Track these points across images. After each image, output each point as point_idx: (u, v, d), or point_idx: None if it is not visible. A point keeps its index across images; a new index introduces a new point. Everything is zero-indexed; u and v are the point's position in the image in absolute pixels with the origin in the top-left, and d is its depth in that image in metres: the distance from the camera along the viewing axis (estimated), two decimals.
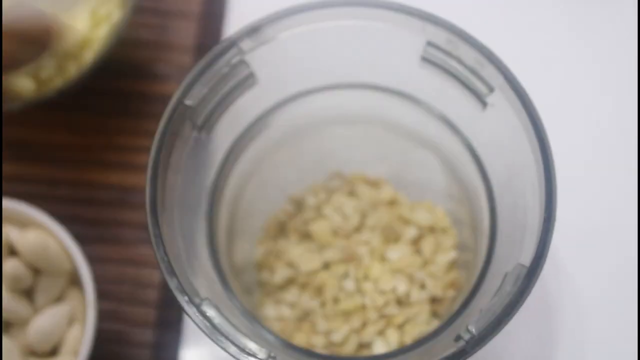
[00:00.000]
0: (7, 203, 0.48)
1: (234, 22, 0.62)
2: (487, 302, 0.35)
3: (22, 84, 0.52)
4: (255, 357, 0.33)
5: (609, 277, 0.53)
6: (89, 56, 0.54)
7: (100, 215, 0.56)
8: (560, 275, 0.52)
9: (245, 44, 0.37)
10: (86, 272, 0.46)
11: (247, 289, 0.48)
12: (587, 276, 0.53)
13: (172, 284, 0.34)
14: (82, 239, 0.53)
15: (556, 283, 0.52)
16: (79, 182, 0.58)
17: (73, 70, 0.54)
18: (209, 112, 0.38)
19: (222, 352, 0.52)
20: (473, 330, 0.33)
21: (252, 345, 0.33)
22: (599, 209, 0.54)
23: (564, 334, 0.52)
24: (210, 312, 0.34)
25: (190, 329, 0.54)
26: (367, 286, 0.46)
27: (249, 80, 0.39)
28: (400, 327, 0.45)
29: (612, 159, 0.55)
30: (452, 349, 0.33)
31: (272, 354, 0.33)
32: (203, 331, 0.33)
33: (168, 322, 0.55)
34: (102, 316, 0.52)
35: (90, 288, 0.46)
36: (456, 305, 0.40)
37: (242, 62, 0.38)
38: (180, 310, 0.53)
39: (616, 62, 0.58)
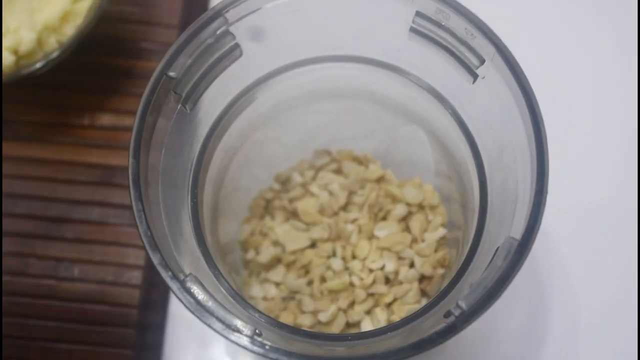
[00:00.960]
0: None
1: None
2: (476, 278, 0.34)
3: (2, 58, 0.51)
4: (240, 333, 0.32)
5: (600, 256, 0.52)
6: (71, 30, 0.53)
7: (83, 197, 0.55)
8: (551, 255, 0.52)
9: (231, 15, 0.37)
10: None
11: (233, 269, 0.47)
12: (578, 256, 0.53)
13: (156, 259, 0.33)
14: (64, 220, 0.53)
15: (547, 263, 0.52)
16: (59, 162, 0.57)
17: (54, 45, 0.52)
18: (193, 84, 0.37)
19: (207, 333, 0.52)
20: (463, 305, 0.32)
21: (237, 322, 0.32)
22: (591, 187, 0.54)
23: (555, 313, 0.52)
24: (195, 288, 0.33)
25: (176, 310, 0.54)
26: (355, 265, 0.45)
27: (234, 51, 0.38)
28: (389, 306, 0.44)
29: (607, 137, 0.55)
30: (441, 324, 0.33)
31: (258, 331, 0.32)
32: (187, 307, 0.32)
33: (153, 302, 0.54)
34: (87, 298, 0.52)
35: None
36: (445, 282, 0.39)
37: (228, 33, 0.37)
38: (165, 291, 0.53)
39: (614, 34, 0.57)
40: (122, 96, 0.58)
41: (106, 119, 0.58)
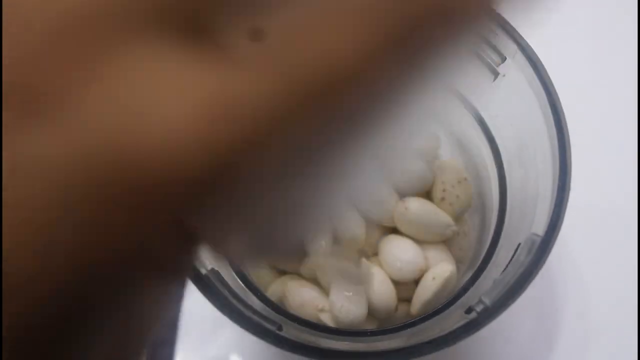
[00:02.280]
0: None
1: None
2: (497, 274, 0.35)
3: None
4: (263, 328, 0.32)
5: (614, 256, 0.52)
6: None
7: None
8: (563, 254, 0.52)
9: None
10: None
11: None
12: (591, 255, 0.53)
13: None
14: None
15: (560, 262, 0.52)
16: None
17: None
18: None
19: (220, 329, 0.52)
20: (487, 301, 0.32)
21: (259, 317, 0.32)
22: (607, 188, 0.54)
23: (568, 313, 0.52)
24: (217, 282, 0.33)
25: (190, 305, 0.53)
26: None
27: None
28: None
29: (624, 137, 0.55)
30: (463, 321, 0.33)
31: (279, 325, 0.33)
32: (210, 301, 0.32)
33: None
34: None
35: None
36: (464, 279, 0.39)
37: None
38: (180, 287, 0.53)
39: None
40: None
41: None
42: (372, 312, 0.41)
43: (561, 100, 0.35)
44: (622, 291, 0.52)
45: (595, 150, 0.54)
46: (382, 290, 0.41)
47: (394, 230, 0.43)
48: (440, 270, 0.40)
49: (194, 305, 0.53)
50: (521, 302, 0.32)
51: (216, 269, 0.34)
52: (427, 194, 0.44)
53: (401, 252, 0.41)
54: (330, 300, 0.40)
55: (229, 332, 0.52)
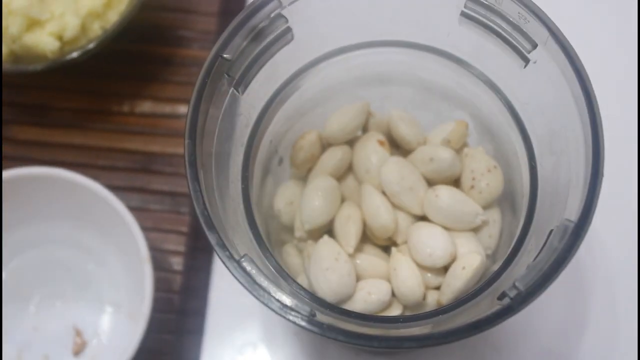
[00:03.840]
0: (63, 173, 0.50)
1: None
2: (528, 261, 0.35)
3: (46, 43, 0.51)
4: (299, 313, 0.32)
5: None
6: (114, 16, 0.53)
7: (122, 183, 0.56)
8: (592, 245, 0.52)
9: None
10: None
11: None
12: (618, 242, 0.53)
13: (213, 238, 0.33)
14: None
15: (588, 254, 0.52)
16: (99, 148, 0.57)
17: (97, 31, 0.53)
18: (246, 67, 0.37)
19: (247, 319, 0.52)
20: (520, 286, 0.32)
21: (294, 302, 0.32)
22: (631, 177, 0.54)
23: (595, 305, 0.52)
24: (250, 268, 0.33)
25: (217, 295, 0.54)
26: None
27: (286, 35, 0.38)
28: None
29: None
30: (495, 307, 0.33)
31: (313, 312, 0.33)
32: (245, 286, 0.32)
33: (194, 288, 0.54)
34: None
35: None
36: (494, 269, 0.39)
37: (281, 16, 0.37)
38: (206, 277, 0.53)
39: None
40: (162, 83, 0.59)
41: (146, 106, 0.58)
42: (400, 300, 0.41)
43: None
44: None
45: (626, 138, 0.54)
46: (409, 277, 0.41)
47: (423, 218, 0.43)
48: (470, 260, 0.40)
49: (222, 294, 0.54)
50: (550, 289, 0.32)
51: (249, 255, 0.34)
52: (456, 182, 0.44)
53: (431, 239, 0.41)
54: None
55: (257, 321, 0.53)
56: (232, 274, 0.33)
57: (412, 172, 0.43)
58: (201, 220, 0.33)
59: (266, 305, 0.32)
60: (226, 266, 0.33)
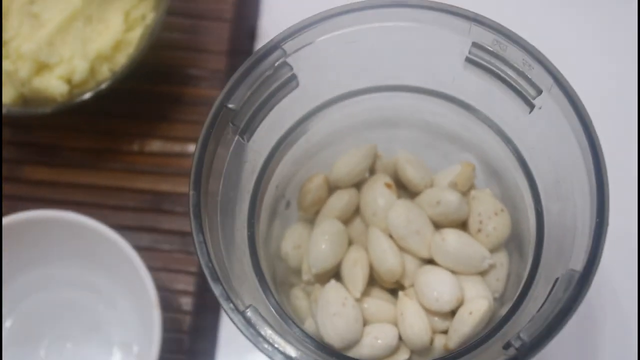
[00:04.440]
0: (75, 216, 0.50)
1: (268, 25, 0.61)
2: (535, 309, 0.34)
3: (55, 87, 0.51)
4: None
5: None
6: (123, 59, 0.54)
7: (132, 223, 0.56)
8: (601, 280, 0.52)
9: (288, 46, 0.37)
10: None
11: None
12: (626, 278, 0.53)
13: (217, 290, 0.33)
14: None
15: (596, 291, 0.52)
16: (109, 188, 0.57)
17: (106, 73, 0.53)
18: (251, 116, 0.37)
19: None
20: (525, 337, 0.32)
21: (297, 353, 0.32)
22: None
23: (605, 345, 0.52)
24: (255, 319, 0.33)
25: (227, 335, 0.54)
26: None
27: (291, 82, 0.38)
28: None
29: None
30: (501, 357, 0.32)
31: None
32: (248, 338, 0.33)
33: (203, 328, 0.54)
34: None
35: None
36: (502, 313, 0.39)
37: (285, 64, 0.37)
38: (216, 317, 0.53)
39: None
40: (171, 123, 0.59)
41: (156, 146, 0.58)
42: (407, 344, 0.41)
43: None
44: None
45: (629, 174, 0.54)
46: (416, 322, 0.41)
47: (431, 262, 0.43)
48: (477, 305, 0.40)
49: (231, 334, 0.54)
50: (560, 336, 0.32)
51: (254, 304, 0.34)
52: (463, 225, 0.44)
53: (438, 283, 0.41)
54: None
55: None
56: (236, 327, 0.33)
57: (419, 215, 0.43)
58: (206, 272, 0.33)
59: (270, 357, 0.32)
60: (230, 318, 0.33)
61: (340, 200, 0.45)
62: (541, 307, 0.34)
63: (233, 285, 0.35)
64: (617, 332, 0.52)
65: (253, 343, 0.33)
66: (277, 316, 0.38)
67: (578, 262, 0.33)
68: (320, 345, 0.38)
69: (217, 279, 0.33)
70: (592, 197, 0.33)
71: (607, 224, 0.33)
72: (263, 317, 0.33)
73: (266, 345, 0.32)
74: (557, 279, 0.34)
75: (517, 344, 0.32)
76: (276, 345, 0.32)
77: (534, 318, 0.33)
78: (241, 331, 0.33)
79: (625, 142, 0.56)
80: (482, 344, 0.37)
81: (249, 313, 0.33)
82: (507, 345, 0.33)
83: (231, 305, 0.33)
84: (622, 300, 0.52)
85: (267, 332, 0.33)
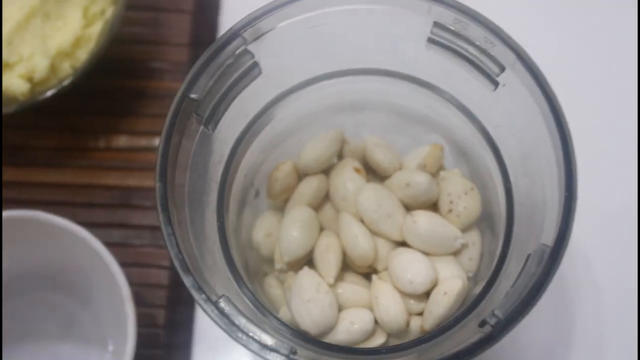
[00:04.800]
0: (36, 214, 0.49)
1: (229, 14, 0.61)
2: (509, 286, 0.34)
3: (16, 86, 0.51)
4: (278, 352, 0.32)
5: (626, 259, 0.52)
6: (84, 55, 0.53)
7: (102, 219, 0.56)
8: (574, 257, 0.52)
9: (248, 34, 0.37)
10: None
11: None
12: (601, 256, 0.53)
13: (188, 282, 0.33)
14: None
15: (571, 265, 0.52)
16: (77, 186, 0.57)
17: (67, 70, 0.53)
18: (214, 105, 0.37)
19: (234, 351, 0.52)
20: (499, 314, 0.32)
21: (273, 342, 0.32)
22: (616, 190, 0.54)
23: (581, 317, 0.52)
24: (228, 309, 0.33)
25: (202, 328, 0.54)
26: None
27: (253, 70, 0.38)
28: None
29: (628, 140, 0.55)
30: (477, 335, 0.32)
31: (293, 349, 0.32)
32: (222, 328, 0.32)
33: (178, 322, 0.54)
34: None
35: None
36: (476, 291, 0.39)
37: (247, 52, 0.37)
38: (191, 309, 0.53)
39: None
40: (137, 117, 0.58)
41: (122, 141, 0.58)
42: (383, 328, 0.41)
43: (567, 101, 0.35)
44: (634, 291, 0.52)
45: (597, 149, 0.54)
46: (391, 305, 0.41)
47: (403, 244, 0.43)
48: (451, 285, 0.40)
49: (207, 326, 0.53)
50: (535, 308, 0.32)
51: (227, 295, 0.33)
52: (434, 206, 0.44)
53: (411, 265, 0.41)
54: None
55: (244, 351, 0.52)
56: (210, 317, 0.33)
57: (389, 198, 0.43)
58: (176, 263, 0.33)
59: (245, 346, 0.32)
60: (203, 309, 0.33)
61: (310, 187, 0.45)
62: (514, 283, 0.34)
63: (205, 276, 0.35)
64: (591, 303, 0.52)
65: (227, 333, 0.32)
66: (252, 306, 0.38)
67: (549, 237, 0.33)
68: (296, 332, 0.38)
69: (187, 271, 0.33)
70: (560, 172, 0.34)
71: (576, 198, 0.33)
72: (236, 307, 0.33)
73: (240, 335, 0.32)
74: (529, 255, 0.34)
75: (492, 321, 0.32)
76: (251, 334, 0.32)
77: (507, 295, 0.33)
78: (215, 321, 0.32)
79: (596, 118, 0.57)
80: (458, 324, 0.37)
81: (221, 303, 0.33)
82: (482, 323, 0.33)
83: (203, 295, 0.33)
84: (596, 271, 0.53)
85: (241, 321, 0.32)
